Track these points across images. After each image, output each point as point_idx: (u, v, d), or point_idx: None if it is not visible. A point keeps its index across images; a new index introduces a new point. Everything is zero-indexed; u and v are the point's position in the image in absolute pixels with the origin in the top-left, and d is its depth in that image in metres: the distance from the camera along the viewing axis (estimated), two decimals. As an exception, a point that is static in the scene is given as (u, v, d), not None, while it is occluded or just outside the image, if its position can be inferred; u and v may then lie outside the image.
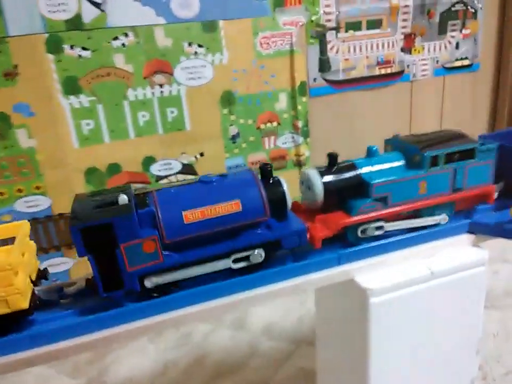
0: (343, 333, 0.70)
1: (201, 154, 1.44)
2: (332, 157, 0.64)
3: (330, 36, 1.52)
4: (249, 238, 0.58)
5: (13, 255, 0.51)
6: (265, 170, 0.61)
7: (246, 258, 0.59)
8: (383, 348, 0.62)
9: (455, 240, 0.67)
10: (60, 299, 0.59)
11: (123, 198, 0.52)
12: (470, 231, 0.68)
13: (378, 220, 0.64)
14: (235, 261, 0.58)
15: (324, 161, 0.67)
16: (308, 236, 0.60)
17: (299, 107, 1.52)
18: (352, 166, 0.65)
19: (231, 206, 0.56)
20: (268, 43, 1.43)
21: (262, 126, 1.50)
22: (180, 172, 1.43)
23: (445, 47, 1.75)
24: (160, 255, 0.54)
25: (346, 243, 0.64)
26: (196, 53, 1.34)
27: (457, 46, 1.77)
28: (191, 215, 0.55)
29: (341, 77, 1.58)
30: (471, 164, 0.67)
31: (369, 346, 0.61)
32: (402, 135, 0.71)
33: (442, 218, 0.67)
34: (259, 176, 0.60)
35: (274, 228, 0.59)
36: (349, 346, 0.68)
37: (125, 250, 0.53)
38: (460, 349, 0.68)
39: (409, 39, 1.67)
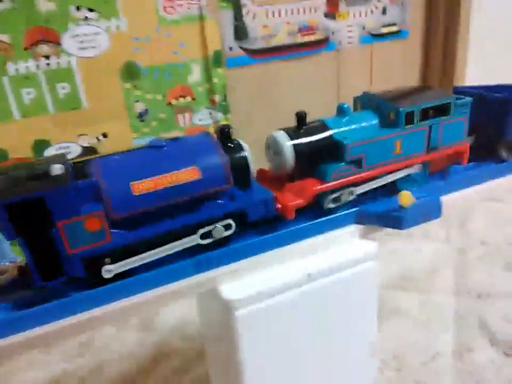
0: (218, 341, 0.60)
1: (104, 135, 1.28)
2: (300, 117, 0.58)
3: (246, -1, 1.39)
4: (210, 210, 0.50)
5: None
6: (224, 133, 0.54)
7: (209, 233, 0.52)
8: (257, 358, 0.52)
9: (344, 232, 0.58)
10: None
11: (56, 167, 0.44)
12: (357, 222, 0.59)
13: (353, 184, 0.59)
14: (202, 237, 0.51)
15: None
16: (279, 206, 0.54)
17: (215, 79, 1.39)
18: (322, 126, 0.59)
19: (188, 174, 0.48)
20: (172, 7, 1.27)
21: (174, 102, 1.35)
22: (80, 156, 1.27)
23: (371, 12, 1.65)
24: (107, 234, 0.46)
25: (320, 212, 0.57)
26: (86, 18, 1.17)
27: (384, 11, 1.68)
28: (141, 186, 0.47)
29: (260, 45, 1.46)
30: (447, 120, 0.63)
31: (239, 357, 0.51)
32: (373, 92, 0.66)
33: (417, 169, 0.64)
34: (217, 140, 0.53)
35: (238, 197, 0.52)
36: (224, 355, 0.58)
37: (63, 229, 0.44)
38: (353, 352, 0.60)
39: (332, 3, 1.56)
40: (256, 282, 0.51)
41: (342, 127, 0.59)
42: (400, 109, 0.58)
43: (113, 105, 1.27)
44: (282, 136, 0.56)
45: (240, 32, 1.41)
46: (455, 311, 1.02)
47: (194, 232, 0.50)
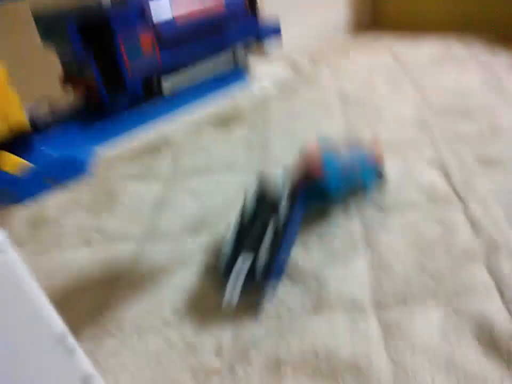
0: None
1: None
2: None
3: None
4: (235, 34, 0.64)
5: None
6: None
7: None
8: None
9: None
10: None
11: None
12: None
13: None
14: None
15: None
16: None
17: None
18: None
19: (216, 7, 0.61)
20: None
21: None
22: None
23: None
24: (158, 53, 0.60)
25: None
26: None
27: None
28: (182, 16, 0.57)
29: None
30: None
31: None
32: None
33: None
34: None
35: (254, 23, 0.67)
36: None
37: (123, 45, 0.54)
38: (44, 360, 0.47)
39: None
40: None
41: None
42: None
43: None
44: None
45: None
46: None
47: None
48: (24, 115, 0.45)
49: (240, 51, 0.62)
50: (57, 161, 0.44)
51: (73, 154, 0.46)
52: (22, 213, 1.16)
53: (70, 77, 0.52)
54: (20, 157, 0.46)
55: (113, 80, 0.50)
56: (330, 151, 0.93)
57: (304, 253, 0.89)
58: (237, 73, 0.66)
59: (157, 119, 0.57)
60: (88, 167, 0.47)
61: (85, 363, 0.54)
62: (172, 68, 0.57)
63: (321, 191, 0.89)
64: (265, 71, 1.43)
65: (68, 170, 0.45)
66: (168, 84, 0.58)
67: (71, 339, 0.52)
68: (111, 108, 0.51)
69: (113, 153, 1.33)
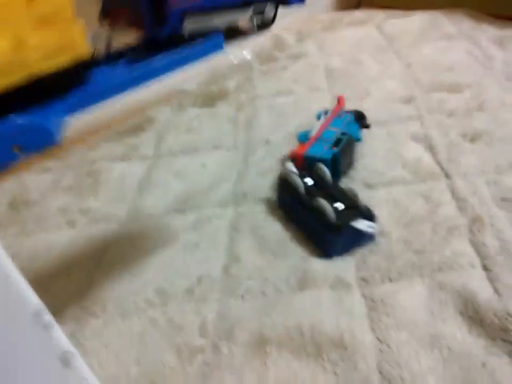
0: None
1: None
2: None
3: None
4: None
5: None
6: None
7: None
8: None
9: None
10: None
11: None
12: None
13: None
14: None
15: None
16: None
17: None
18: None
19: None
20: None
21: None
22: None
23: None
24: None
25: None
26: None
27: None
28: None
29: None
30: None
31: None
32: None
33: None
34: None
35: None
36: None
37: None
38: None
39: None
40: None
41: None
42: None
43: None
44: None
45: None
46: (230, 223, 0.96)
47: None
48: (86, 45, 0.45)
49: (267, 10, 0.67)
50: (22, 128, 0.41)
51: (41, 121, 0.43)
52: (2, 195, 1.14)
53: (111, 10, 0.56)
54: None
55: (159, 9, 0.54)
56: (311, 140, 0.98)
57: (290, 229, 0.89)
58: (215, 40, 0.64)
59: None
60: (57, 137, 0.45)
61: (63, 340, 0.53)
62: (203, 10, 0.61)
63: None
64: (248, 42, 1.40)
65: (35, 139, 0.42)
66: (191, 25, 0.59)
67: (47, 315, 0.51)
68: (151, 42, 0.55)
69: (90, 124, 1.30)
